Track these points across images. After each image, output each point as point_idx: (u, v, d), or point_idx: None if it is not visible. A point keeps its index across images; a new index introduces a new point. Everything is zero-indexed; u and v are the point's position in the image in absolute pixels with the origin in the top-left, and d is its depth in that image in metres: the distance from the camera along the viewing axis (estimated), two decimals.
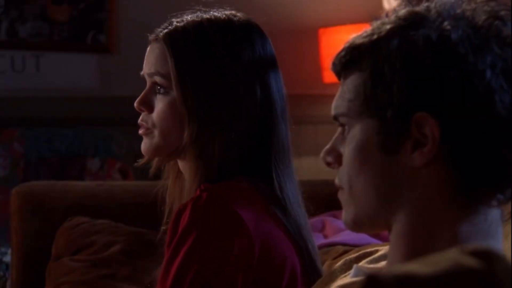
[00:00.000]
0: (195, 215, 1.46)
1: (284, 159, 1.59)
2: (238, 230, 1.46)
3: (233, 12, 1.62)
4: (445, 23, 1.07)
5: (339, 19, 3.78)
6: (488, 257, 0.83)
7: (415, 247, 1.09)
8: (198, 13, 1.61)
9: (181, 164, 1.64)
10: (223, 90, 1.55)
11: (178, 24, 1.59)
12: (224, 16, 1.60)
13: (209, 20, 1.59)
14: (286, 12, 3.86)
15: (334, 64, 1.16)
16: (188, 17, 1.60)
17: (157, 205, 1.72)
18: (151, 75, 1.60)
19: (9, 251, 2.75)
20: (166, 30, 1.59)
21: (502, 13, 1.08)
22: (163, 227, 1.67)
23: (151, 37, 1.62)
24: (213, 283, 1.44)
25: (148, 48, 1.63)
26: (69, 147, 3.70)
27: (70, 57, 3.76)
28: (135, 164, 1.71)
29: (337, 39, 3.61)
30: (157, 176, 1.72)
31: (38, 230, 2.55)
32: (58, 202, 2.59)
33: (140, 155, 1.65)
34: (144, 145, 1.62)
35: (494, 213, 1.08)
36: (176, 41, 1.57)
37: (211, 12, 1.61)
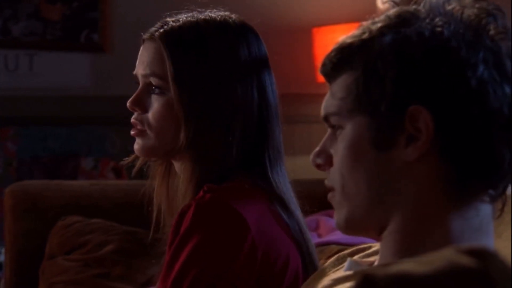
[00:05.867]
0: (198, 217, 1.46)
1: (278, 159, 1.59)
2: (242, 235, 1.45)
3: (228, 13, 1.61)
4: (437, 19, 1.08)
5: (333, 18, 3.78)
6: (483, 256, 0.83)
7: (408, 243, 1.09)
8: (194, 13, 1.60)
9: (176, 165, 1.62)
10: (220, 92, 1.54)
11: (174, 24, 1.57)
12: (219, 17, 1.59)
13: (205, 20, 1.58)
14: (279, 11, 3.86)
15: (324, 65, 1.16)
16: (184, 17, 1.59)
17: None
18: (146, 76, 1.58)
19: (3, 250, 2.75)
20: (162, 30, 1.57)
21: (492, 8, 1.09)
22: (163, 230, 1.67)
23: (145, 36, 1.60)
24: (213, 287, 1.44)
25: (142, 47, 1.61)
26: (63, 146, 3.69)
27: (63, 56, 3.75)
28: (121, 162, 1.70)
29: (331, 39, 3.61)
30: (146, 175, 1.71)
31: (32, 229, 2.55)
32: (52, 202, 2.58)
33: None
34: (138, 146, 1.60)
35: (486, 209, 1.09)
36: (173, 41, 1.55)
37: (206, 13, 1.60)
